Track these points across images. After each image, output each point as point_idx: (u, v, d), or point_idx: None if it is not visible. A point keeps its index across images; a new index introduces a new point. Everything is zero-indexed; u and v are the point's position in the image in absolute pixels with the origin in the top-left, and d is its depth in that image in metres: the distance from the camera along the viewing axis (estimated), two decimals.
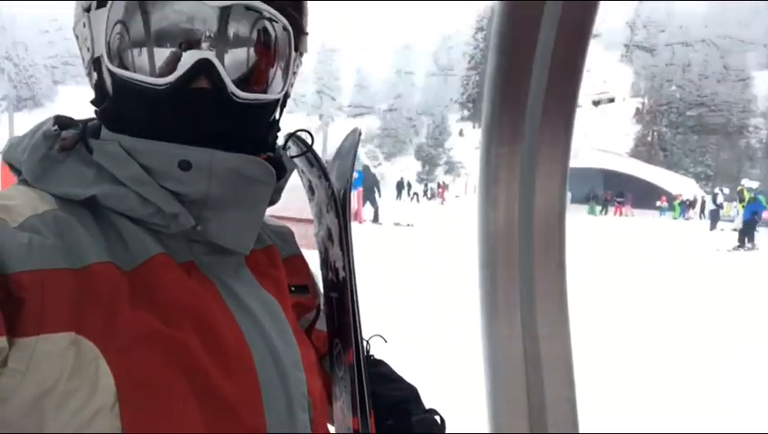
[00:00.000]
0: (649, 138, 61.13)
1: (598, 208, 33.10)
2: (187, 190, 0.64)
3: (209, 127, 0.64)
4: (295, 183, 0.85)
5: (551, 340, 1.27)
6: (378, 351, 0.95)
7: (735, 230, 18.33)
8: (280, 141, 0.79)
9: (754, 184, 16.24)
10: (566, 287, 1.29)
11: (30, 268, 0.54)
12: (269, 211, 0.76)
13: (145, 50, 0.63)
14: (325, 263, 0.90)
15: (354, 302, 0.84)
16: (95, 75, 0.68)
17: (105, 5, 0.64)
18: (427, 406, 0.92)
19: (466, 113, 71.66)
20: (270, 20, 0.67)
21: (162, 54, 0.63)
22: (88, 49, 0.67)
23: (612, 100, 70.59)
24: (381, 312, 3.77)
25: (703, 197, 32.99)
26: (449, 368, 3.89)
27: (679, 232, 17.51)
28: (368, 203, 16.48)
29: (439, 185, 45.51)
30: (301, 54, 0.75)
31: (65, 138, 0.66)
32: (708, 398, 3.97)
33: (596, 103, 72.77)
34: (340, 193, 0.87)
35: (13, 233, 0.55)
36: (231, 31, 0.65)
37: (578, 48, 1.22)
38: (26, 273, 0.53)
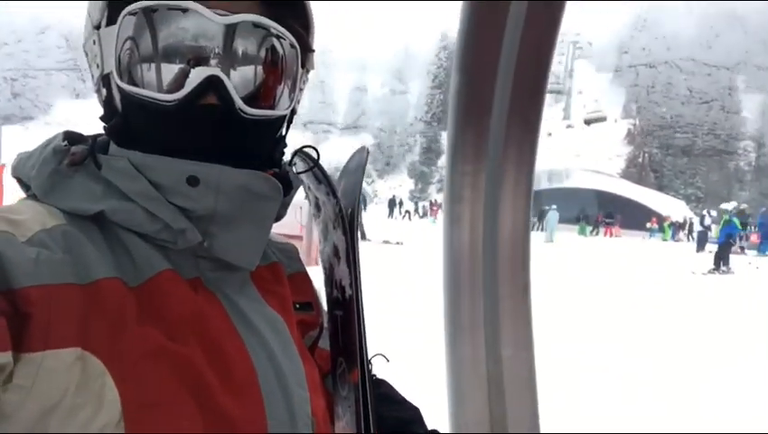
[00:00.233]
0: (640, 159, 61.70)
1: (589, 228, 33.19)
2: (195, 206, 0.64)
3: (217, 143, 0.65)
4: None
5: (515, 361, 1.26)
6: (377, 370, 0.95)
7: None
8: (286, 157, 0.80)
9: (730, 206, 16.29)
10: (530, 308, 1.28)
11: (38, 283, 0.54)
12: None
13: (154, 66, 0.64)
14: (330, 281, 0.89)
15: (361, 321, 0.84)
16: (104, 91, 0.69)
17: (115, 22, 0.64)
18: (429, 427, 0.92)
19: None
20: (278, 37, 0.68)
21: (171, 71, 0.64)
22: (97, 65, 0.68)
23: (603, 120, 71.30)
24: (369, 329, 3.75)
25: (691, 219, 33.22)
26: (440, 386, 3.86)
27: (663, 254, 17.51)
28: None
29: (432, 203, 45.56)
30: (307, 71, 0.76)
31: (74, 153, 0.66)
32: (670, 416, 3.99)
33: (588, 122, 73.47)
34: (347, 211, 0.87)
35: (21, 248, 0.56)
36: (240, 47, 0.65)
37: (540, 67, 1.22)
38: (34, 288, 0.53)
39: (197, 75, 0.63)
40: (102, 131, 0.72)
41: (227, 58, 0.64)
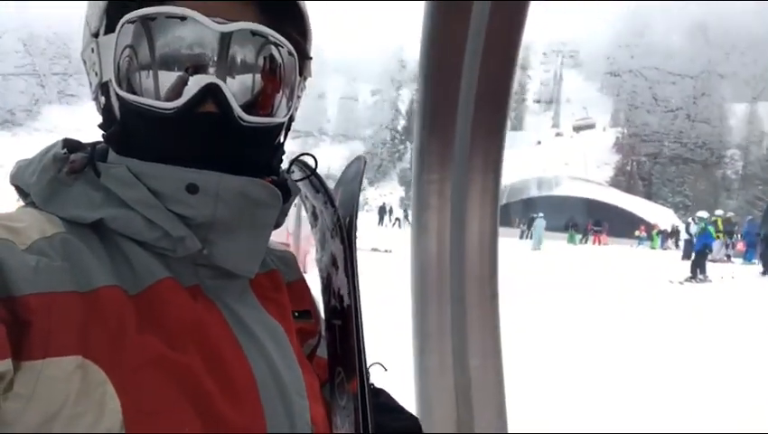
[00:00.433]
0: (628, 168, 62.18)
1: (578, 237, 33.32)
2: (194, 213, 0.64)
3: (216, 151, 0.65)
4: None
5: (482, 370, 1.26)
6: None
7: (710, 261, 18.59)
8: (284, 165, 0.80)
9: (705, 214, 16.37)
10: (498, 317, 1.28)
11: (37, 291, 0.54)
12: None
13: (152, 74, 0.64)
14: (328, 290, 0.89)
15: (360, 330, 0.84)
16: (102, 99, 0.69)
17: (113, 31, 0.65)
18: None
19: None
20: (276, 45, 0.68)
21: (169, 79, 0.64)
22: (96, 73, 0.68)
23: (592, 126, 71.81)
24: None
25: (678, 227, 33.46)
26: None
27: (646, 263, 17.39)
28: None
29: None
30: (305, 79, 0.77)
31: (74, 161, 0.67)
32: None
33: (577, 129, 74.04)
34: (345, 220, 0.87)
35: (21, 256, 0.55)
36: (238, 55, 0.65)
37: (505, 70, 1.23)
38: (34, 296, 0.53)
39: (196, 83, 0.63)
40: (100, 138, 0.72)
41: (225, 66, 0.64)
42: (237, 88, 0.65)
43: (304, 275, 0.90)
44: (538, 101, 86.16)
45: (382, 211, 42.25)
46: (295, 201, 0.80)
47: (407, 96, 75.97)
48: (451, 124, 1.08)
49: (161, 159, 0.64)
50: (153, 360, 0.59)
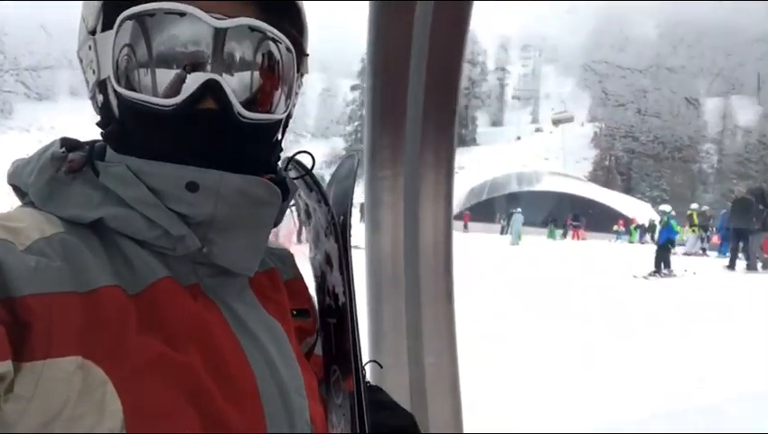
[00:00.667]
0: (606, 162, 62.93)
1: (559, 232, 33.63)
2: (194, 212, 0.64)
3: (215, 148, 0.65)
4: None
5: (438, 368, 1.26)
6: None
7: (686, 254, 18.86)
8: (280, 164, 0.80)
9: (667, 208, 16.40)
10: (454, 314, 1.28)
11: (37, 292, 0.54)
12: None
13: (151, 71, 0.64)
14: (322, 288, 0.90)
15: (355, 328, 0.85)
16: (100, 97, 0.69)
17: (111, 28, 0.64)
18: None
19: None
20: (275, 41, 0.68)
21: (169, 75, 0.64)
22: (93, 71, 0.68)
23: (571, 120, 72.51)
24: None
25: (654, 221, 33.95)
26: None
27: (619, 257, 17.13)
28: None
29: None
30: (302, 75, 0.76)
31: (72, 160, 0.66)
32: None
33: (556, 123, 74.74)
34: (339, 219, 0.87)
35: (20, 256, 0.55)
36: (237, 52, 0.66)
37: (452, 66, 1.23)
38: (34, 296, 0.53)
39: (195, 80, 0.63)
40: (96, 136, 0.72)
41: (224, 62, 0.64)
42: (236, 84, 0.65)
43: (301, 273, 0.90)
44: (518, 98, 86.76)
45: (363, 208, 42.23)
46: None
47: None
48: (401, 120, 1.07)
49: (160, 157, 0.64)
50: (153, 360, 0.59)
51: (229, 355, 0.65)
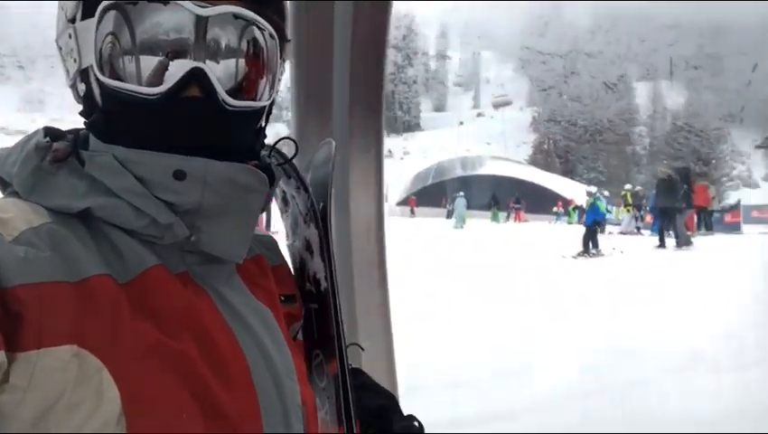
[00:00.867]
0: (545, 146, 64.67)
1: (503, 214, 34.38)
2: (181, 200, 0.64)
3: (201, 136, 0.65)
4: None
5: (373, 354, 1.28)
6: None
7: (621, 233, 19.66)
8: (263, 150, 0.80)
9: (593, 189, 16.73)
10: (388, 300, 1.31)
11: (27, 282, 0.53)
12: None
13: (135, 60, 0.63)
14: (301, 274, 0.91)
15: (338, 313, 0.86)
16: (82, 86, 0.68)
17: (91, 16, 0.63)
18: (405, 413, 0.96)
19: None
20: (259, 28, 0.68)
21: (152, 64, 0.63)
22: (75, 60, 0.67)
23: (509, 103, 74.04)
24: None
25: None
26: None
27: (555, 238, 17.03)
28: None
29: None
30: (284, 61, 0.76)
31: (57, 150, 0.66)
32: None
33: (496, 106, 76.22)
34: (320, 205, 0.88)
35: (9, 247, 0.55)
36: (221, 39, 0.65)
37: (375, 53, 1.23)
38: (24, 287, 0.53)
39: (180, 68, 0.63)
40: (80, 126, 0.71)
41: (209, 50, 0.64)
42: (221, 72, 0.65)
43: (286, 259, 0.91)
44: (459, 85, 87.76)
45: None
46: None
47: None
48: (327, 106, 1.07)
49: (145, 146, 0.64)
50: (149, 347, 0.59)
51: (221, 341, 0.65)
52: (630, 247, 13.97)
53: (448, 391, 3.95)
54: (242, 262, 0.73)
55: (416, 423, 0.93)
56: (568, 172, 57.22)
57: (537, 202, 37.75)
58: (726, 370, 4.43)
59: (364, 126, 1.20)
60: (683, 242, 13.49)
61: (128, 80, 0.63)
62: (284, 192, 0.92)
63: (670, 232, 14.03)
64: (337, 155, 0.95)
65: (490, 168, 45.36)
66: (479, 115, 79.77)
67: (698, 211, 18.18)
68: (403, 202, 39.94)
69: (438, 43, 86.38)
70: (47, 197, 0.63)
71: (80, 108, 0.71)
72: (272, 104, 0.76)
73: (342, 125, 0.91)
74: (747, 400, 3.59)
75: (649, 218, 22.94)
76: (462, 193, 27.08)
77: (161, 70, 0.63)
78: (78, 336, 0.55)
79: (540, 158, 61.24)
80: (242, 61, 0.67)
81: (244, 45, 0.67)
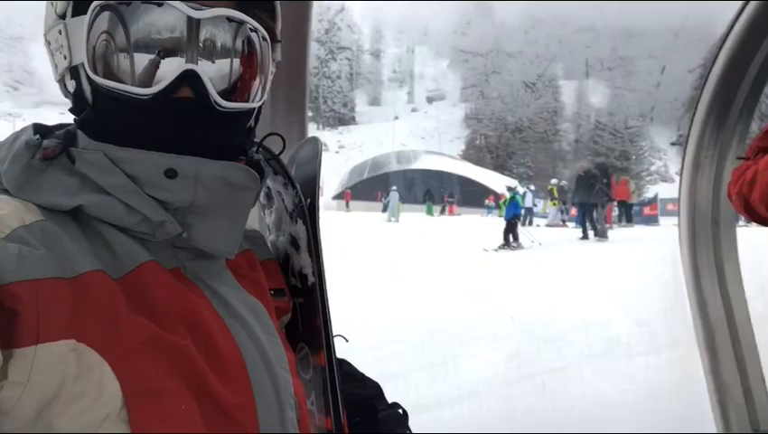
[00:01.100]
0: (477, 142, 66.13)
1: (438, 208, 34.91)
2: (173, 198, 0.64)
3: (192, 136, 0.66)
4: None
5: None
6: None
7: (548, 225, 20.44)
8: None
9: (513, 184, 17.18)
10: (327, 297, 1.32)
11: (23, 279, 0.53)
12: None
13: (128, 60, 0.63)
14: (285, 269, 0.91)
15: (326, 307, 0.87)
16: (72, 83, 0.68)
17: (82, 13, 0.63)
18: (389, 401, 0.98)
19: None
20: (251, 30, 0.69)
21: (145, 64, 0.63)
22: (64, 57, 0.67)
23: (443, 98, 75.14)
24: None
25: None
26: None
27: (482, 230, 16.87)
28: None
29: None
30: (275, 61, 0.77)
31: (47, 148, 0.65)
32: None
33: (430, 100, 77.21)
34: (307, 201, 0.88)
35: (2, 244, 0.55)
36: (214, 41, 0.66)
37: (298, 46, 1.25)
38: (19, 283, 0.53)
39: (173, 69, 0.63)
40: (66, 121, 0.71)
41: (202, 52, 0.65)
42: (213, 73, 0.66)
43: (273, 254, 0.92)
44: (394, 81, 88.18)
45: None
46: None
47: None
48: None
49: (136, 144, 0.64)
50: (147, 340, 0.59)
51: (216, 334, 0.66)
52: (551, 239, 14.42)
53: None
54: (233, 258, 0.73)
55: (399, 410, 0.96)
56: (499, 167, 58.78)
57: (470, 195, 38.61)
58: (639, 354, 4.71)
59: (288, 120, 1.22)
60: (602, 234, 14.16)
61: (120, 80, 0.63)
62: (268, 187, 0.92)
63: (594, 224, 14.68)
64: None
65: (424, 163, 45.95)
66: (413, 110, 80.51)
67: (620, 204, 19.12)
68: (338, 196, 39.87)
69: (373, 38, 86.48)
70: (37, 194, 0.63)
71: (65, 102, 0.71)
72: (262, 104, 0.77)
73: (265, 119, 0.93)
74: (657, 381, 3.84)
75: (574, 211, 23.94)
76: (395, 187, 27.33)
77: (153, 71, 0.63)
78: (76, 332, 0.55)
79: (473, 153, 62.58)
80: (234, 63, 0.68)
81: (236, 47, 0.68)
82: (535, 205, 25.07)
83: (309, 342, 0.88)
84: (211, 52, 0.66)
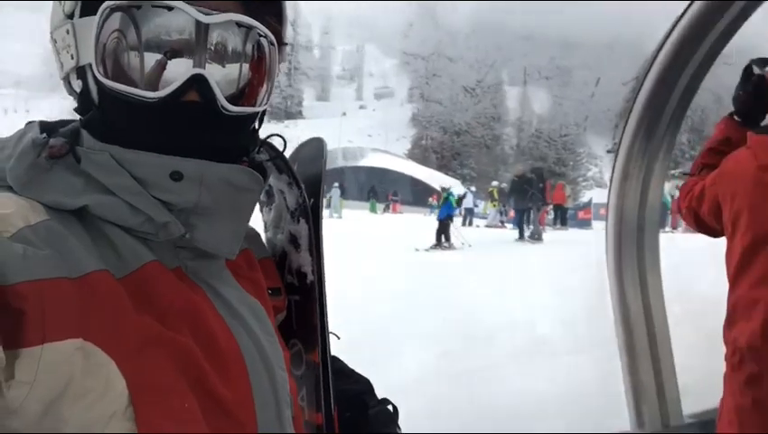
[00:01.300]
0: (423, 142, 66.83)
1: (382, 206, 35.05)
2: (178, 200, 0.65)
3: (198, 139, 0.66)
4: None
5: None
6: None
7: (487, 226, 20.91)
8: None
9: (447, 185, 17.46)
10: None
11: (28, 279, 0.53)
12: None
13: (136, 62, 0.64)
14: (282, 267, 0.92)
15: (324, 305, 0.89)
16: (78, 82, 0.68)
17: (91, 13, 0.64)
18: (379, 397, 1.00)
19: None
20: (260, 35, 0.69)
21: (155, 68, 0.64)
22: (72, 56, 0.67)
23: (391, 95, 75.61)
24: None
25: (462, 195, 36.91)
26: None
27: (421, 229, 16.46)
28: None
29: None
30: (281, 63, 0.77)
31: (53, 146, 0.66)
32: None
33: (378, 97, 77.57)
34: (310, 201, 0.89)
35: (8, 244, 0.55)
36: (223, 46, 0.66)
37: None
38: (25, 283, 0.53)
39: (182, 73, 0.64)
40: (68, 119, 0.72)
41: (211, 56, 0.65)
42: (221, 78, 0.66)
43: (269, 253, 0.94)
44: (343, 78, 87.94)
45: None
46: None
47: None
48: None
49: (143, 147, 0.64)
50: (152, 339, 0.60)
51: (217, 333, 0.67)
52: (489, 239, 14.82)
53: None
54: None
55: (389, 407, 0.97)
56: (443, 167, 59.57)
57: (414, 194, 38.98)
58: (563, 354, 4.87)
59: None
60: (536, 236, 14.63)
61: (128, 82, 0.64)
62: (269, 185, 0.92)
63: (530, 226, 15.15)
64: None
65: (371, 160, 46.02)
66: (361, 107, 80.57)
67: (555, 207, 19.81)
68: None
69: (322, 34, 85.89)
70: (42, 193, 0.63)
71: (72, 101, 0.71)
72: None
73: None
74: (578, 381, 3.97)
75: (512, 213, 24.59)
76: (337, 184, 27.31)
77: (159, 72, 0.64)
78: (82, 331, 0.55)
79: (418, 153, 63.18)
80: (243, 68, 0.69)
81: (244, 52, 0.69)
82: (476, 206, 25.57)
83: (303, 338, 0.90)
84: (220, 57, 0.67)
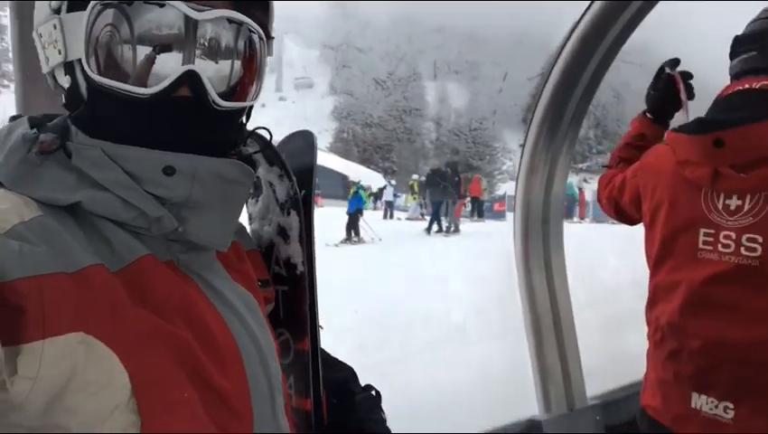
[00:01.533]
0: (345, 135, 66.73)
1: None
2: (170, 194, 0.66)
3: (189, 134, 0.67)
4: None
5: None
6: None
7: (408, 219, 21.17)
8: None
9: (358, 180, 17.62)
10: None
11: (26, 275, 0.54)
12: None
13: (128, 59, 0.64)
14: (269, 258, 0.94)
15: (314, 295, 0.90)
16: (66, 78, 0.68)
17: (80, 9, 0.64)
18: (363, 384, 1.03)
19: None
20: (250, 31, 0.70)
21: (144, 64, 0.64)
22: (59, 51, 0.67)
23: (311, 85, 74.91)
24: None
25: (382, 188, 37.23)
26: None
27: (339, 224, 16.24)
28: None
29: None
30: (269, 57, 0.78)
31: (44, 142, 0.65)
32: None
33: (297, 87, 76.65)
34: (301, 193, 0.90)
35: (3, 241, 0.55)
36: (214, 42, 0.67)
37: None
38: (23, 280, 0.53)
39: (174, 69, 0.64)
40: (55, 113, 0.72)
41: (202, 52, 0.66)
42: (213, 74, 0.67)
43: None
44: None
45: None
46: None
47: None
48: None
49: (134, 141, 0.65)
50: (150, 332, 0.61)
51: (212, 325, 0.68)
52: (407, 231, 14.95)
53: None
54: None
55: (373, 392, 1.00)
56: (366, 160, 59.83)
57: (335, 187, 38.86)
58: (475, 343, 5.01)
59: None
60: (452, 228, 15.00)
61: (119, 78, 0.64)
62: (257, 177, 0.93)
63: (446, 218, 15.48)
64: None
65: None
66: (281, 99, 79.24)
67: (472, 200, 20.37)
68: None
69: None
70: (34, 188, 0.63)
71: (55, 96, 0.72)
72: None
73: None
74: (489, 369, 4.09)
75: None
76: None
77: (149, 68, 0.64)
78: (83, 324, 0.56)
79: (341, 146, 63.04)
80: (233, 64, 0.70)
81: (236, 48, 0.69)
82: (397, 197, 25.78)
83: (291, 327, 0.92)
84: (211, 53, 0.67)
